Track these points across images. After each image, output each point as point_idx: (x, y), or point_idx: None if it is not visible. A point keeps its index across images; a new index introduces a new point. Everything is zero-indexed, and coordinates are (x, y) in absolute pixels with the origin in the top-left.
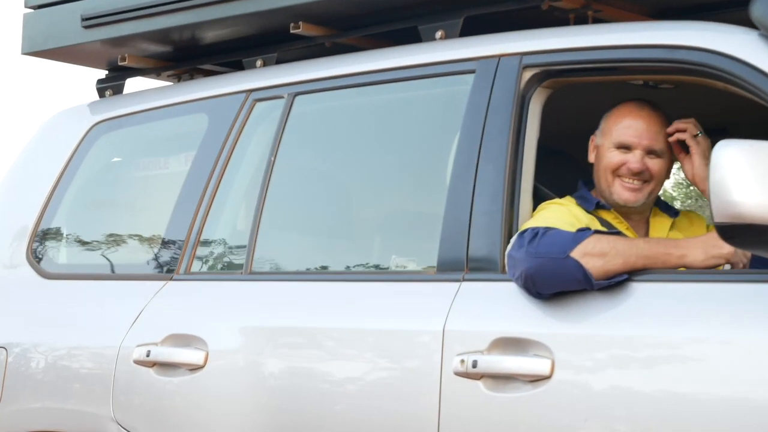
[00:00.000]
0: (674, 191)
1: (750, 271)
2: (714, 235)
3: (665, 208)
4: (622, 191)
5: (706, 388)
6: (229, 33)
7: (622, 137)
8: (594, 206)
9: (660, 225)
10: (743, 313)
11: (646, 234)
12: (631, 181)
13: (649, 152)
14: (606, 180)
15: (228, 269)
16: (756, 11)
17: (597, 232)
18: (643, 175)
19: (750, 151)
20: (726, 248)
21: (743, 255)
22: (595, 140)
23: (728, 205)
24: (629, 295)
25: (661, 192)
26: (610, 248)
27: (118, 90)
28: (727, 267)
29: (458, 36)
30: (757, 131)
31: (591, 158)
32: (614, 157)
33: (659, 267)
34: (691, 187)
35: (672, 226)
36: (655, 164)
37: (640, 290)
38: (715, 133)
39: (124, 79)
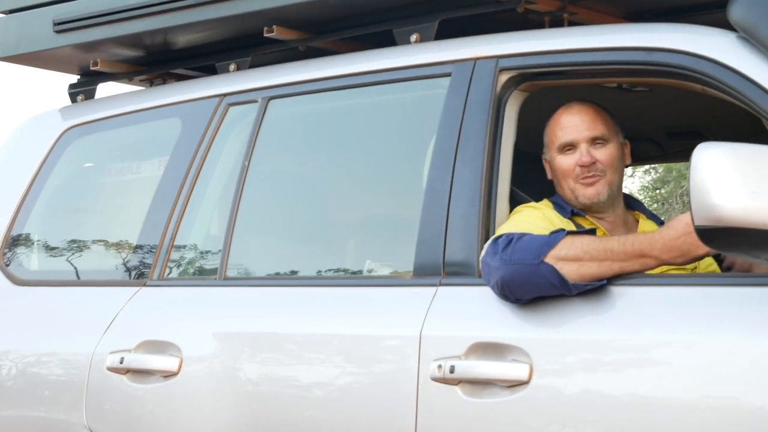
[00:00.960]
0: (640, 194)
1: (725, 275)
2: (689, 233)
3: (651, 215)
4: (584, 189)
5: (681, 392)
6: (203, 37)
7: (562, 139)
8: (569, 214)
9: (649, 228)
10: (718, 317)
11: None
12: (589, 177)
13: (593, 142)
14: (567, 187)
15: (202, 275)
16: (734, 13)
17: (570, 233)
18: (595, 167)
19: (730, 153)
20: (703, 248)
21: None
22: (545, 157)
23: (708, 208)
24: (607, 299)
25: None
26: (584, 252)
27: (90, 95)
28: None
29: (434, 39)
30: (730, 133)
31: (549, 176)
32: (564, 161)
33: (636, 269)
34: (657, 191)
35: None
36: (602, 152)
37: (618, 294)
38: (689, 135)
39: (96, 84)
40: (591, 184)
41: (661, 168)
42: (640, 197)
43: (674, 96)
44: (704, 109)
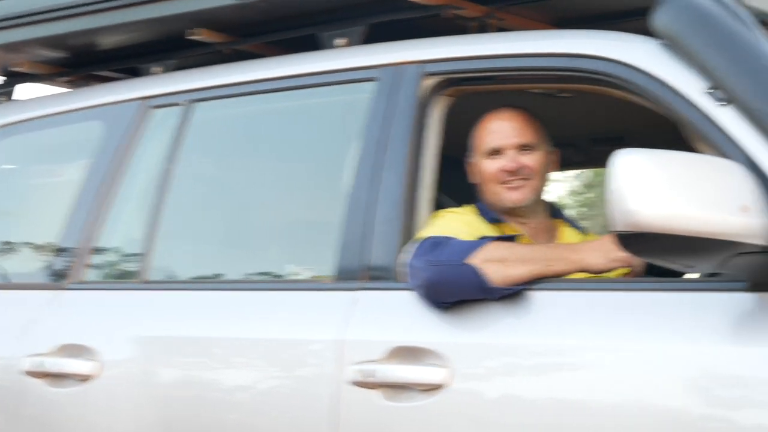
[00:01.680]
0: (569, 199)
1: (642, 279)
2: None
3: (573, 224)
4: (508, 194)
5: (601, 395)
6: (126, 39)
7: (489, 144)
8: (492, 220)
9: (570, 236)
10: (636, 321)
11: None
12: (514, 181)
13: (521, 148)
14: (491, 191)
15: (122, 278)
16: (656, 21)
17: (496, 239)
18: (521, 172)
19: (647, 160)
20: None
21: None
22: (471, 160)
23: (625, 214)
24: (527, 304)
25: (556, 200)
26: (509, 254)
27: (8, 96)
28: None
29: (359, 44)
30: (653, 140)
31: (474, 179)
32: (490, 165)
33: (559, 272)
34: (585, 195)
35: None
36: (530, 159)
37: (538, 299)
38: (612, 141)
39: (15, 85)
40: (516, 189)
41: (589, 172)
42: (569, 201)
43: (598, 102)
44: (627, 115)
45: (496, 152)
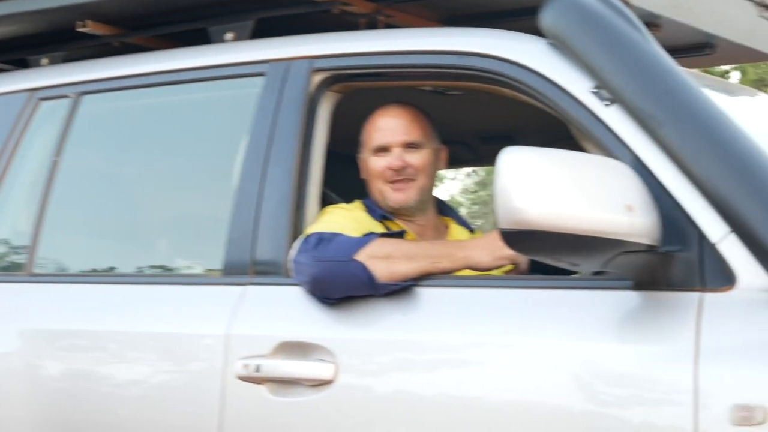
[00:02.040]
0: (462, 197)
1: (529, 277)
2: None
3: (462, 222)
4: (393, 193)
5: (486, 391)
6: (14, 30)
7: (376, 141)
8: (380, 217)
9: (459, 234)
10: (522, 318)
11: None
12: (399, 182)
13: (407, 146)
14: (377, 188)
15: (7, 270)
16: (545, 20)
17: (382, 235)
18: (406, 172)
19: (533, 158)
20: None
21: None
22: (361, 156)
23: (511, 212)
24: (414, 300)
25: (448, 199)
26: (395, 250)
27: None
28: None
29: (249, 38)
30: (543, 139)
31: (363, 175)
32: (376, 162)
33: (446, 268)
34: (478, 193)
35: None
36: (415, 157)
37: (425, 295)
38: (501, 139)
39: None
40: (400, 189)
41: (482, 171)
42: (462, 199)
43: (487, 100)
44: (516, 114)
45: (382, 149)
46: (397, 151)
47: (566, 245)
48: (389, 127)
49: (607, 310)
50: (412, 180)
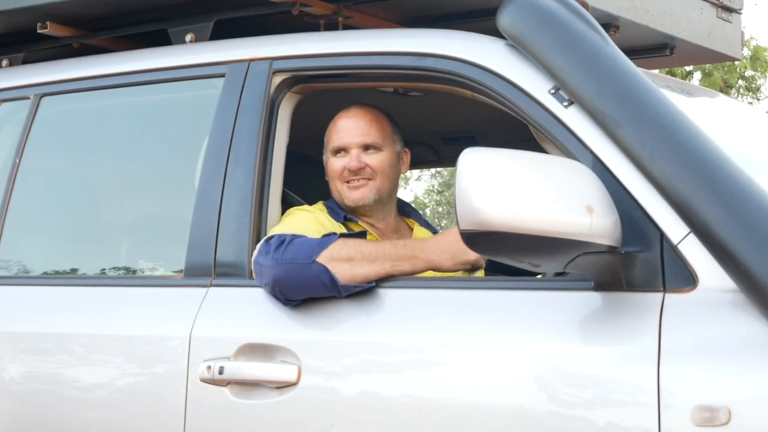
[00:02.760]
0: (425, 198)
1: (491, 278)
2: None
3: (426, 224)
4: (350, 192)
5: (450, 392)
6: None
7: (335, 142)
8: (342, 219)
9: (423, 236)
10: (484, 319)
11: None
12: (355, 180)
13: (365, 148)
14: (336, 189)
15: None
16: (502, 21)
17: (343, 235)
18: (364, 172)
19: (493, 158)
20: (472, 253)
21: (483, 258)
22: (324, 157)
23: (472, 213)
24: (377, 301)
25: (412, 199)
26: (356, 252)
27: None
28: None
29: (208, 39)
30: (504, 139)
31: (327, 176)
32: (334, 163)
33: (407, 271)
34: (442, 194)
35: None
36: (373, 159)
37: (388, 297)
38: (463, 140)
39: None
40: (357, 188)
41: (446, 171)
42: (426, 200)
43: (448, 101)
44: (477, 114)
45: (341, 150)
46: (355, 152)
47: (527, 246)
48: (348, 128)
49: (569, 311)
50: (369, 179)
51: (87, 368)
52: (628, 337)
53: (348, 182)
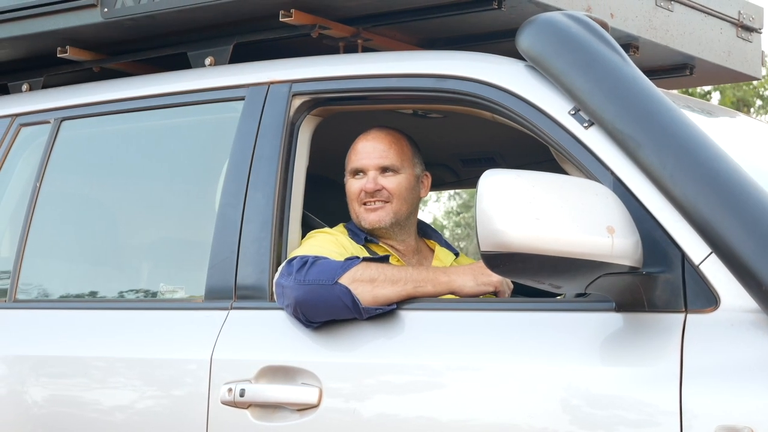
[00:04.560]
0: (445, 219)
1: (511, 300)
2: (482, 263)
3: (446, 245)
4: (367, 215)
5: (471, 414)
6: None
7: (354, 164)
8: (363, 240)
9: (444, 257)
10: (506, 341)
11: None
12: (372, 203)
13: (383, 170)
14: (354, 210)
15: None
16: (522, 42)
17: (366, 259)
18: (380, 194)
19: (514, 180)
20: (494, 276)
21: (507, 284)
22: (345, 180)
23: (493, 234)
24: (398, 323)
25: (431, 220)
26: (379, 274)
27: None
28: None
29: (228, 63)
30: (524, 161)
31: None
32: (352, 185)
33: (429, 293)
34: (461, 215)
35: (455, 262)
36: (390, 181)
37: (408, 319)
38: (483, 162)
39: None
40: (373, 210)
41: (465, 193)
42: (445, 221)
43: (467, 123)
44: (497, 136)
45: (359, 172)
46: (372, 174)
47: (548, 267)
48: (366, 150)
49: (590, 332)
50: (386, 202)
51: (108, 391)
52: (650, 357)
53: (365, 204)
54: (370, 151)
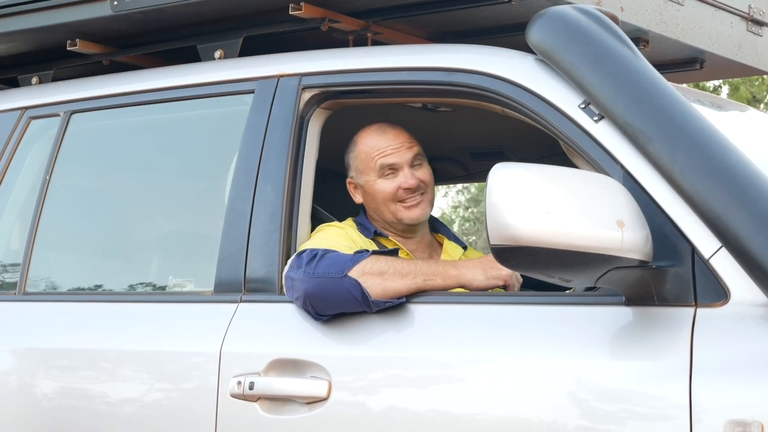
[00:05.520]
0: (453, 213)
1: (520, 293)
2: (492, 257)
3: (455, 239)
4: (408, 212)
5: (480, 408)
6: (4, 49)
7: (384, 161)
8: (372, 234)
9: (452, 250)
10: (515, 334)
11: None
12: (412, 198)
13: (413, 163)
14: (389, 210)
15: (0, 289)
16: (532, 36)
17: (375, 252)
18: (420, 188)
19: (524, 174)
20: (504, 270)
21: (516, 278)
22: (354, 181)
23: (503, 228)
24: (407, 317)
25: (440, 215)
26: (388, 267)
27: None
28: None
29: (237, 56)
30: (533, 154)
31: (358, 200)
32: (386, 185)
33: (439, 286)
34: (469, 210)
35: (463, 256)
36: (423, 172)
37: (418, 312)
38: (492, 155)
39: None
40: (415, 206)
41: (473, 187)
42: (453, 216)
43: (477, 116)
44: (506, 129)
45: (391, 170)
46: (407, 170)
47: (558, 261)
48: (392, 146)
49: (600, 326)
50: (423, 194)
51: (117, 384)
52: (660, 352)
53: (402, 201)
54: (397, 145)
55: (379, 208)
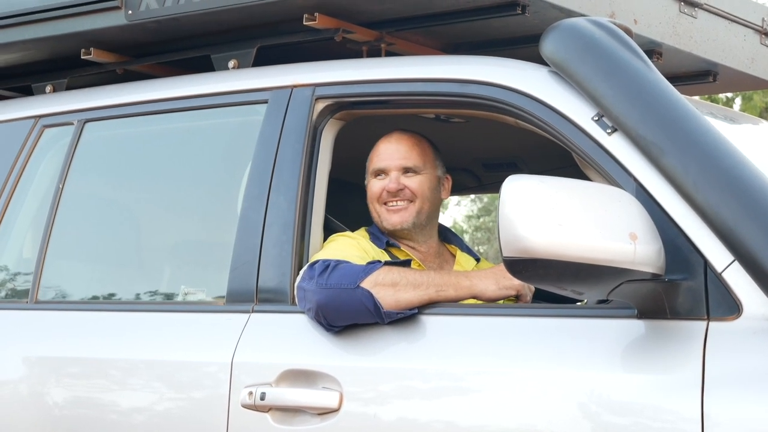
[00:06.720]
0: (465, 224)
1: (533, 306)
2: (504, 267)
3: (468, 250)
4: (389, 215)
5: (491, 420)
6: (19, 57)
7: (376, 165)
8: (385, 244)
9: (465, 261)
10: (527, 347)
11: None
12: (394, 203)
13: (405, 171)
14: (375, 211)
15: (13, 298)
16: (546, 48)
17: (388, 263)
18: (403, 194)
19: (537, 186)
20: (516, 280)
21: (529, 287)
22: (366, 182)
23: (515, 240)
24: (419, 328)
25: (452, 224)
26: (401, 278)
27: None
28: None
29: (251, 66)
30: (546, 166)
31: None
32: (374, 186)
33: (451, 297)
34: (481, 219)
35: (476, 268)
36: (413, 181)
37: (429, 324)
38: (504, 167)
39: None
40: (396, 211)
41: (485, 197)
42: (465, 226)
43: (490, 128)
44: (519, 141)
45: (381, 173)
46: (394, 174)
47: (570, 273)
48: (389, 151)
49: (612, 339)
50: (410, 202)
51: (128, 393)
52: (672, 365)
53: (386, 204)
54: (393, 152)
55: (370, 209)
